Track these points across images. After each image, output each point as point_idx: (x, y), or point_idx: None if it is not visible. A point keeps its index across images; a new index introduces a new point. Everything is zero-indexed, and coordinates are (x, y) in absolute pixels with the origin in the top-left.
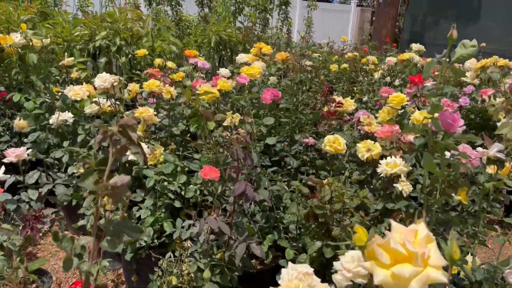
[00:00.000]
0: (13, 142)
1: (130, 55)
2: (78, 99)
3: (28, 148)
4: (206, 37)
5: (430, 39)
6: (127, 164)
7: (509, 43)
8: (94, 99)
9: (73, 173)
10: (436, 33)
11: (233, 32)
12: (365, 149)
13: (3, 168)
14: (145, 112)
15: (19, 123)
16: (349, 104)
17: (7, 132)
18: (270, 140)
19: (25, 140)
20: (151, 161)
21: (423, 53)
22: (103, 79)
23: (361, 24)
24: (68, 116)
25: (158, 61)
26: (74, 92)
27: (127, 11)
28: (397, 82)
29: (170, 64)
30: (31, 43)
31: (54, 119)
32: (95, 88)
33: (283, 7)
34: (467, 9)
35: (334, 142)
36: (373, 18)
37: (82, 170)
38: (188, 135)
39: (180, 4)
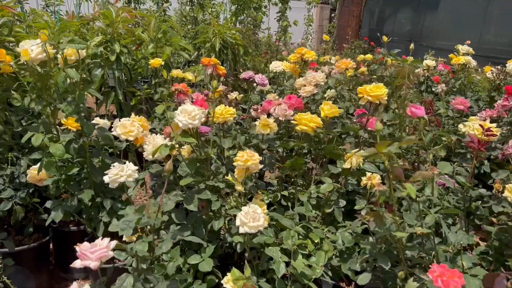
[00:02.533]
0: (18, 197)
1: (129, 65)
2: (131, 138)
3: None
4: (207, 40)
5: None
6: None
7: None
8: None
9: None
10: (394, 29)
11: (236, 34)
12: None
13: None
14: (251, 158)
15: (37, 174)
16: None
17: (8, 184)
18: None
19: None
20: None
21: (371, 48)
22: (191, 114)
23: (320, 21)
24: (132, 169)
25: (176, 72)
26: (124, 128)
27: (124, 10)
28: (439, 89)
29: (189, 75)
30: (59, 56)
31: (116, 175)
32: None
33: (280, 5)
34: (423, 4)
35: None
36: (332, 15)
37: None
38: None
39: (167, 0)
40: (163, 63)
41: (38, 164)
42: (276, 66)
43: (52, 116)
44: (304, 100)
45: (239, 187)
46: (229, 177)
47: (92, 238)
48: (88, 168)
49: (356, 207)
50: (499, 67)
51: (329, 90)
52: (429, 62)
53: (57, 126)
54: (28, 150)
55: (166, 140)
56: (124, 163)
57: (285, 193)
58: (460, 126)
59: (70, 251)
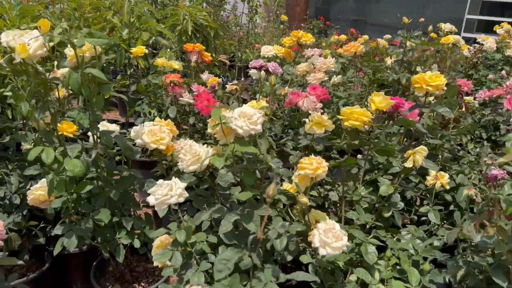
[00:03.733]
0: (13, 222)
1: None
2: (162, 147)
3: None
4: (178, 23)
5: (334, 14)
6: None
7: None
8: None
9: None
10: (340, 8)
11: (207, 15)
12: None
13: None
14: (320, 165)
15: (46, 195)
16: None
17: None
18: None
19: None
20: None
21: (326, 28)
22: (252, 118)
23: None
24: (181, 186)
25: (161, 61)
26: (154, 136)
27: None
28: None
29: (175, 64)
30: (68, 52)
31: (165, 195)
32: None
33: None
34: None
35: None
36: None
37: None
38: None
39: None
40: (147, 51)
41: (40, 184)
42: (267, 50)
43: (53, 124)
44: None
45: (304, 199)
46: (289, 187)
47: (101, 263)
48: (103, 184)
49: (422, 209)
50: (476, 45)
51: (335, 76)
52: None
53: (58, 135)
54: (19, 165)
55: (208, 149)
56: (164, 177)
57: (335, 196)
58: None
59: (73, 278)
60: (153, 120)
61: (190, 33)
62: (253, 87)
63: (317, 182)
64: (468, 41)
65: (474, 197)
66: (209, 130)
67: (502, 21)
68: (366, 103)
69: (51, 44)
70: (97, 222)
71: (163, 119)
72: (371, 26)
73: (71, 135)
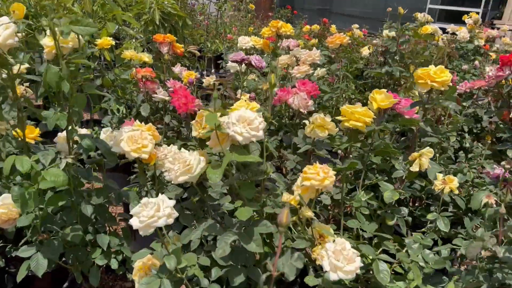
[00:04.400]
0: None
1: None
2: (144, 156)
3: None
4: (144, 12)
5: (299, 4)
6: None
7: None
8: None
9: None
10: None
11: (175, 3)
12: None
13: None
14: (327, 175)
15: (4, 213)
16: None
17: None
18: None
19: None
20: None
21: (291, 18)
22: (253, 124)
23: None
24: (170, 205)
25: (129, 53)
26: (135, 143)
27: None
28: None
29: (145, 57)
30: (49, 43)
31: (151, 217)
32: None
33: None
34: None
35: None
36: None
37: None
38: None
39: None
40: (114, 43)
41: (1, 201)
42: (245, 42)
43: (20, 127)
44: (292, 83)
45: (308, 213)
46: (290, 199)
47: (72, 283)
48: (74, 197)
49: (429, 216)
50: (448, 35)
51: (319, 68)
52: (389, 33)
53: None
54: None
55: (199, 157)
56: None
57: (327, 199)
58: None
59: None
60: (122, 118)
61: (158, 22)
62: (233, 82)
63: None
64: None
65: (494, 205)
66: (193, 134)
67: (463, 11)
68: (345, 96)
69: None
70: (68, 241)
71: (133, 118)
72: (335, 16)
73: (32, 141)
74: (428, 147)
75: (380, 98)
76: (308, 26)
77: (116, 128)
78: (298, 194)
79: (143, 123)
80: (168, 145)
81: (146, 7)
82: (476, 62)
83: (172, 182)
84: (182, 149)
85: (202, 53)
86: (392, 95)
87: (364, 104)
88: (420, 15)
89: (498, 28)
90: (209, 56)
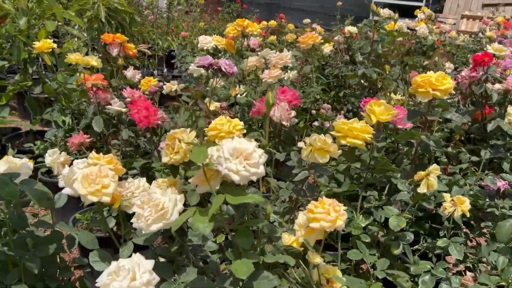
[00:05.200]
0: None
1: None
2: (106, 199)
3: None
4: (87, 8)
5: None
6: None
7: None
8: None
9: None
10: None
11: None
12: None
13: None
14: (339, 213)
15: None
16: None
17: None
18: None
19: None
20: None
21: (242, 12)
22: (253, 159)
23: None
24: (148, 268)
25: (75, 57)
26: (93, 185)
27: None
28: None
29: (93, 61)
30: None
31: None
32: None
33: None
34: None
35: None
36: None
37: None
38: None
39: None
40: (55, 46)
41: None
42: (206, 42)
43: None
44: (262, 88)
45: (317, 259)
46: (292, 241)
47: None
48: (13, 251)
49: (439, 243)
50: (409, 31)
51: (289, 71)
52: (351, 28)
53: None
54: None
55: (175, 196)
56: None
57: None
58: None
59: None
60: (69, 130)
61: (103, 19)
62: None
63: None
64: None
65: None
66: (164, 160)
67: (408, 5)
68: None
69: None
70: None
71: (81, 130)
72: (284, 10)
73: None
74: (434, 165)
75: (379, 110)
76: (265, 22)
77: (62, 142)
78: (304, 239)
79: (98, 143)
80: (127, 167)
81: (90, 2)
82: (436, 58)
83: (143, 232)
84: (152, 185)
85: (153, 52)
86: (392, 107)
87: (330, 103)
88: (382, 11)
89: (442, 22)
90: (160, 55)
